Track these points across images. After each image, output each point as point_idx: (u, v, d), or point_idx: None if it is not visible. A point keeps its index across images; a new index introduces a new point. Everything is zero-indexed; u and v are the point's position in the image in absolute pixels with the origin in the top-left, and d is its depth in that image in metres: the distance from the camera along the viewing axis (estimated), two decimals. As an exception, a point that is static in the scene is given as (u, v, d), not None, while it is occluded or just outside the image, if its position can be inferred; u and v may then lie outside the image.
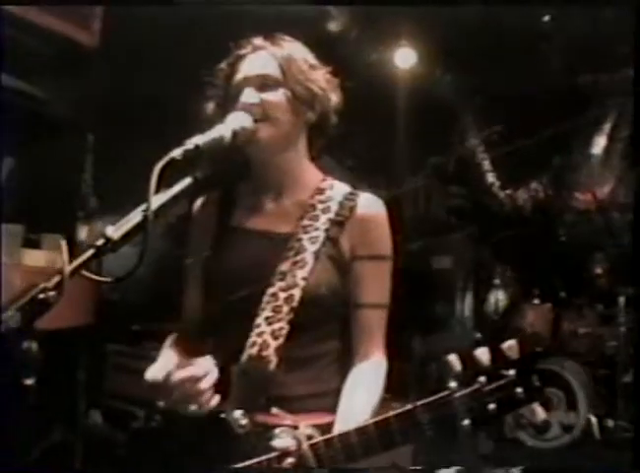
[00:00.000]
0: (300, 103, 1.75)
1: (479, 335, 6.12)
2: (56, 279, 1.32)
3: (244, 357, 1.65)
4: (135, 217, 1.46)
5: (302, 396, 1.70)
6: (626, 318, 5.16)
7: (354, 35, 5.13)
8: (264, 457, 1.50)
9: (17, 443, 3.12)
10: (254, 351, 1.64)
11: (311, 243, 1.71)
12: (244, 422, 1.59)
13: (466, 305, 6.40)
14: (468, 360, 1.35)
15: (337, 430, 1.58)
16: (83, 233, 3.76)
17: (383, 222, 1.79)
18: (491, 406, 1.33)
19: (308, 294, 1.67)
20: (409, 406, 1.38)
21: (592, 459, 4.74)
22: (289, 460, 1.46)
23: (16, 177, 3.56)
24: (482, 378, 1.33)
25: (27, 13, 3.43)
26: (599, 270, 5.47)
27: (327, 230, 1.73)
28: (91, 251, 1.38)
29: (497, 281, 5.90)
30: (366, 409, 1.65)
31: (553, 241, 5.79)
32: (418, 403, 1.37)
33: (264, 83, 1.73)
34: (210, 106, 1.82)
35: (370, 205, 1.79)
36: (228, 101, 1.76)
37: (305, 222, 1.75)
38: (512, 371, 1.33)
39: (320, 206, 1.77)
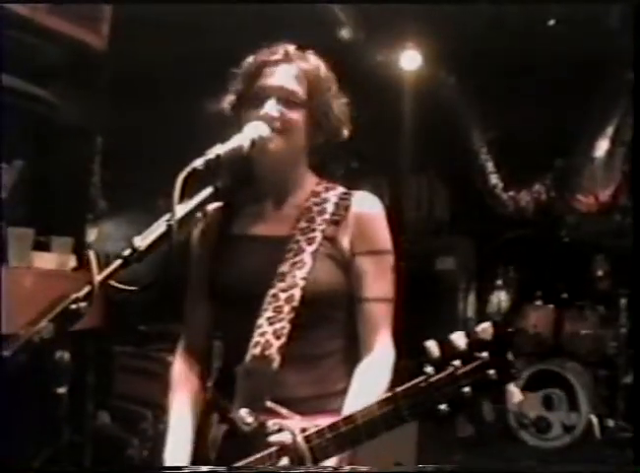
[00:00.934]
0: (315, 126, 1.79)
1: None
2: (86, 289, 1.35)
3: (248, 357, 1.68)
4: (159, 227, 1.48)
5: (309, 397, 1.72)
6: (627, 320, 5.21)
7: (360, 38, 5.14)
8: (264, 452, 1.53)
9: (26, 445, 3.14)
10: (257, 351, 1.67)
11: (308, 244, 1.74)
12: (250, 420, 1.62)
13: (468, 306, 6.43)
14: (445, 345, 1.35)
15: None
16: (92, 235, 3.78)
17: (379, 217, 1.82)
18: (466, 389, 1.33)
19: (308, 293, 1.69)
20: (388, 393, 1.40)
21: (593, 459, 4.78)
22: (287, 454, 1.49)
23: (25, 180, 3.56)
24: (457, 362, 1.34)
25: (35, 15, 3.42)
26: (600, 272, 5.51)
27: (323, 230, 1.76)
28: (119, 262, 1.41)
29: (500, 282, 5.92)
30: (372, 400, 1.68)
31: (556, 243, 5.81)
32: (397, 389, 1.38)
33: (288, 98, 1.74)
34: (229, 98, 1.84)
35: (365, 202, 1.81)
36: (247, 100, 1.78)
37: (302, 224, 1.77)
38: (485, 354, 1.33)
39: (316, 208, 1.80)
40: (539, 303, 5.65)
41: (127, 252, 1.43)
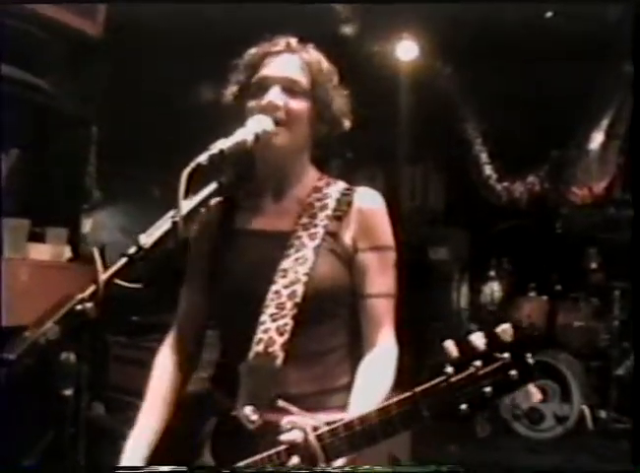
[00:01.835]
0: (317, 118, 1.78)
1: (474, 326, 6.18)
2: (91, 289, 1.33)
3: (251, 354, 1.66)
4: (165, 224, 1.46)
5: (312, 393, 1.71)
6: (620, 312, 5.24)
7: (356, 28, 5.12)
8: (273, 451, 1.52)
9: (20, 438, 3.13)
10: (261, 348, 1.66)
11: (311, 240, 1.73)
12: (255, 418, 1.61)
13: (462, 297, 6.44)
14: (463, 345, 1.35)
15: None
16: (87, 225, 3.75)
17: (381, 213, 1.81)
18: (487, 389, 1.33)
19: (311, 289, 1.68)
20: (408, 393, 1.39)
21: (585, 450, 4.81)
22: (298, 453, 1.48)
23: (20, 170, 3.54)
24: (478, 362, 1.34)
25: (31, 4, 3.40)
26: (594, 264, 5.53)
27: (325, 225, 1.75)
28: (124, 260, 1.39)
29: (493, 273, 5.94)
30: (378, 396, 1.66)
31: (550, 235, 5.82)
32: (417, 389, 1.37)
33: (291, 87, 1.73)
34: (231, 89, 1.82)
35: (367, 198, 1.81)
36: (250, 91, 1.76)
37: (304, 220, 1.76)
38: (506, 354, 1.33)
39: (318, 204, 1.79)
40: (532, 294, 5.66)
41: (132, 250, 1.41)
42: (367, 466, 1.59)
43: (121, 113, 4.02)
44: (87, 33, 3.64)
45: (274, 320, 1.67)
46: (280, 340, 1.66)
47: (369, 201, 1.81)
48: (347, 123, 1.83)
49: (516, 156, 6.03)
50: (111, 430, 3.88)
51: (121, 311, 4.39)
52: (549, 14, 4.74)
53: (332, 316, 1.77)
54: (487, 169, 6.38)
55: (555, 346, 5.40)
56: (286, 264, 1.71)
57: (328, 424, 1.50)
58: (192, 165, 1.49)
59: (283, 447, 1.50)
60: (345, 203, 1.78)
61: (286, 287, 1.69)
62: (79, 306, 1.31)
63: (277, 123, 1.70)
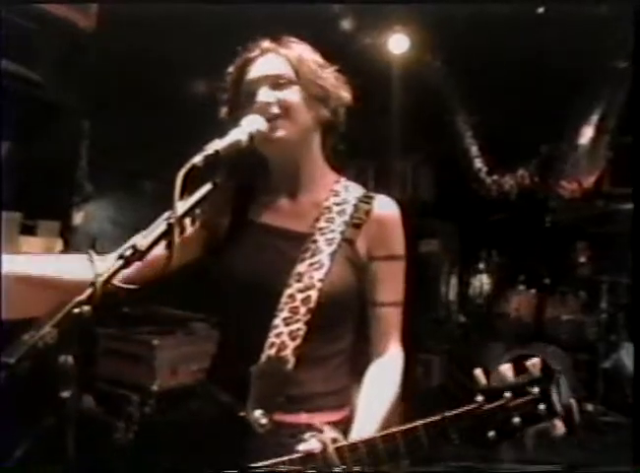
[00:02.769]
0: (314, 101, 1.77)
1: (463, 319, 6.22)
2: (89, 292, 1.34)
3: (263, 358, 1.67)
4: (160, 225, 1.46)
5: (317, 394, 1.73)
6: (608, 305, 5.28)
7: (348, 21, 5.11)
8: (286, 458, 1.52)
9: (8, 430, 3.13)
10: (272, 352, 1.67)
11: (327, 245, 1.74)
12: (264, 421, 1.63)
13: (451, 289, 6.46)
14: (494, 375, 1.43)
15: (357, 426, 1.65)
16: (78, 218, 3.74)
17: (398, 223, 1.83)
18: (516, 420, 1.40)
19: (325, 295, 1.69)
20: (437, 417, 1.43)
21: (571, 442, 4.84)
22: (314, 463, 1.50)
23: (11, 163, 3.52)
24: (508, 394, 1.41)
25: (22, -4, 3.39)
26: (583, 258, 5.57)
27: (342, 231, 1.76)
28: (120, 262, 1.39)
29: (482, 266, 5.97)
30: (386, 403, 1.71)
31: (539, 228, 5.85)
32: (447, 414, 1.43)
33: (277, 82, 1.74)
34: (224, 110, 1.83)
35: (386, 207, 1.82)
36: (241, 104, 1.77)
37: (322, 224, 1.77)
38: (536, 389, 1.40)
39: (336, 208, 1.79)
40: (521, 287, 5.70)
41: (128, 252, 1.41)
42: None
43: (113, 106, 4.01)
44: (79, 25, 3.62)
45: (287, 325, 1.68)
46: (292, 345, 1.67)
47: (388, 210, 1.82)
48: (345, 95, 1.83)
49: (506, 149, 6.05)
50: (102, 422, 3.90)
51: (111, 303, 4.39)
52: (541, 10, 4.75)
53: (340, 322, 1.79)
54: (477, 163, 6.40)
55: (544, 339, 5.44)
56: (301, 268, 1.71)
57: (330, 423, 1.57)
58: (187, 165, 1.49)
59: (297, 455, 1.52)
60: (363, 211, 1.79)
61: (300, 291, 1.69)
62: (76, 310, 1.32)
63: (274, 118, 1.71)
